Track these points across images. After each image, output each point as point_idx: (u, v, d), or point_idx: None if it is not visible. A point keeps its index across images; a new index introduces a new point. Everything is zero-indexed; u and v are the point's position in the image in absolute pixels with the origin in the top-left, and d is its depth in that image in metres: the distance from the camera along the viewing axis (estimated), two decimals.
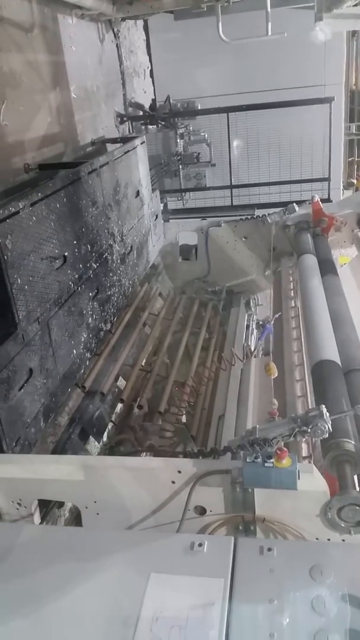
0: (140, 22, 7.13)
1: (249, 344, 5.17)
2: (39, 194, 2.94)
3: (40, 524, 2.35)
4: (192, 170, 7.24)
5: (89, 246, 3.62)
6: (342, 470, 1.99)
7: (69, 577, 1.51)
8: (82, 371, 3.53)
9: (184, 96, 7.16)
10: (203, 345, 4.83)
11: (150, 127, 6.92)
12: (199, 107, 7.04)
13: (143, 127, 6.89)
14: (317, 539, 1.88)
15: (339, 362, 2.81)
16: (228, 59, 7.21)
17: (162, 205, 6.10)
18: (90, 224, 3.66)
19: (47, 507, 2.65)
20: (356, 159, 9.00)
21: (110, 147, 5.37)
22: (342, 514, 1.82)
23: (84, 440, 3.45)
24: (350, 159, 8.67)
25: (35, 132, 4.21)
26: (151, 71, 7.67)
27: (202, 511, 1.97)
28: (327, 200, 6.10)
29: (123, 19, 6.16)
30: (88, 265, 3.61)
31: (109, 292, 4.03)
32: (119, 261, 4.27)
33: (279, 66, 7.24)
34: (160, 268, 6.03)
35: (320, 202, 5.05)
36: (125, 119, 6.38)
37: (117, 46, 6.24)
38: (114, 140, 5.53)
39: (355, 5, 4.46)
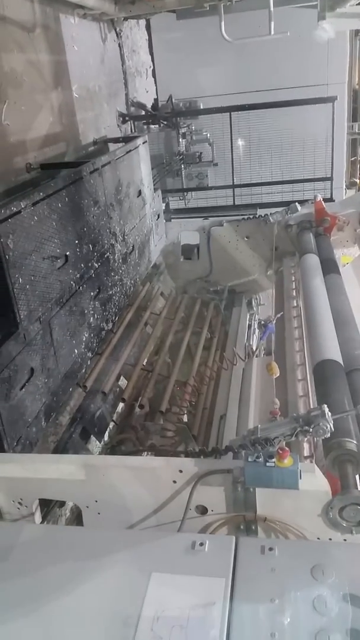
0: (142, 22, 7.13)
1: (251, 343, 5.17)
2: (41, 194, 2.94)
3: (41, 523, 2.34)
4: (194, 170, 7.24)
5: (90, 246, 3.62)
6: (343, 469, 1.98)
7: (70, 577, 1.51)
8: (84, 370, 3.53)
9: (186, 95, 7.16)
10: (205, 344, 4.83)
11: (152, 126, 6.92)
12: (201, 107, 7.04)
13: (145, 126, 6.89)
14: (318, 538, 1.88)
15: (341, 362, 2.80)
16: (230, 58, 7.20)
17: (164, 204, 6.10)
18: (92, 224, 3.66)
19: (48, 507, 2.65)
20: (359, 159, 8.98)
21: (112, 146, 5.38)
22: (344, 514, 1.82)
23: (85, 439, 3.45)
24: (353, 159, 8.66)
25: (37, 131, 4.21)
26: (153, 71, 7.66)
27: (203, 511, 1.97)
28: (330, 199, 6.10)
29: (125, 19, 6.16)
30: (90, 264, 3.61)
31: (111, 292, 4.03)
32: (120, 261, 4.27)
33: (281, 65, 7.24)
34: (162, 267, 6.03)
35: (322, 202, 5.05)
36: (127, 118, 6.38)
37: (119, 46, 6.24)
38: (116, 140, 5.53)
39: (359, 4, 4.45)
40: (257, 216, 5.62)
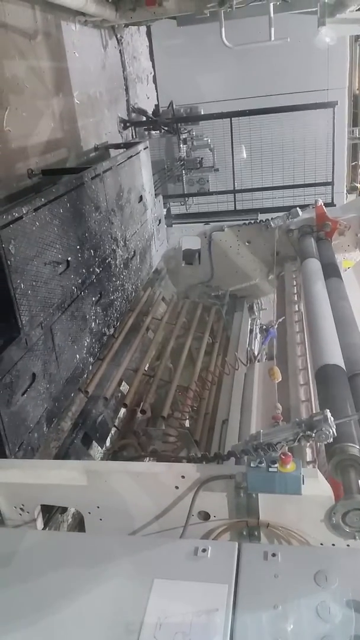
0: (143, 28, 7.17)
1: (253, 348, 5.17)
2: (42, 200, 2.95)
3: (43, 529, 2.34)
4: (195, 175, 7.25)
5: (92, 251, 3.63)
6: (346, 475, 1.97)
7: (72, 583, 1.51)
8: (85, 376, 3.53)
9: (187, 101, 7.18)
10: (206, 349, 4.82)
11: (153, 132, 6.94)
12: (202, 113, 7.05)
13: (146, 132, 6.91)
14: (321, 544, 1.87)
15: (343, 366, 2.80)
16: (231, 64, 7.23)
17: (165, 210, 6.11)
18: (93, 229, 3.67)
19: (50, 513, 2.64)
20: (359, 163, 9.00)
21: (113, 152, 5.39)
22: (347, 519, 1.81)
23: (87, 445, 3.45)
24: (353, 163, 8.68)
25: (38, 137, 4.23)
26: (154, 77, 7.70)
27: (205, 516, 1.96)
28: (331, 204, 6.09)
29: (126, 25, 6.19)
30: (91, 270, 3.62)
31: (112, 297, 4.03)
32: (122, 266, 4.28)
33: (282, 71, 7.27)
34: (163, 273, 6.04)
35: (323, 206, 5.05)
36: (128, 124, 6.40)
37: (120, 52, 6.27)
38: (117, 146, 5.55)
39: (359, 10, 4.47)
40: (258, 221, 5.62)
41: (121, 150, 4.88)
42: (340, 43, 6.98)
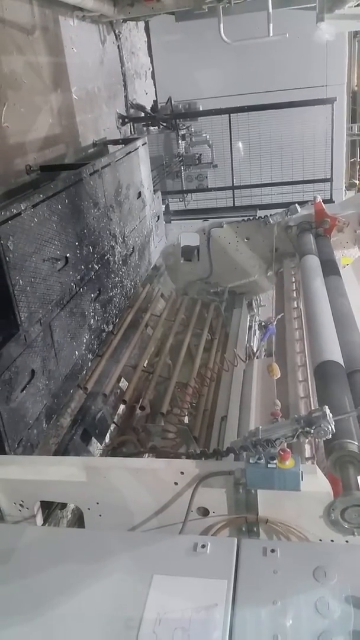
0: (141, 24, 7.14)
1: (252, 344, 5.17)
2: (41, 196, 2.94)
3: (42, 525, 2.34)
4: (194, 172, 7.25)
5: (90, 247, 3.62)
6: (345, 471, 1.98)
7: (71, 579, 1.51)
8: (84, 372, 3.53)
9: (186, 97, 7.17)
10: (205, 346, 4.82)
11: (151, 128, 6.93)
12: (201, 108, 7.04)
13: (145, 128, 6.89)
14: (320, 540, 1.88)
15: (342, 363, 2.80)
16: (229, 60, 7.21)
17: (163, 206, 6.10)
18: (92, 226, 3.66)
19: (50, 509, 2.64)
20: (358, 160, 8.99)
21: (111, 148, 5.38)
22: (346, 515, 1.81)
23: (87, 441, 3.45)
24: (352, 160, 8.67)
25: (36, 133, 4.21)
26: (152, 72, 7.68)
27: (205, 512, 1.97)
28: (330, 201, 6.10)
29: (124, 21, 6.17)
30: (90, 266, 3.61)
31: (111, 294, 4.03)
32: (120, 262, 4.27)
33: (280, 67, 7.25)
34: (162, 269, 6.03)
35: (322, 203, 5.04)
36: (126, 120, 6.39)
37: (118, 48, 6.25)
38: (115, 142, 5.54)
39: (357, 5, 4.46)
40: (257, 217, 5.62)
41: (120, 146, 4.86)
42: (339, 39, 6.96)
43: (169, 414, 3.78)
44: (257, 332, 5.51)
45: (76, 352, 3.33)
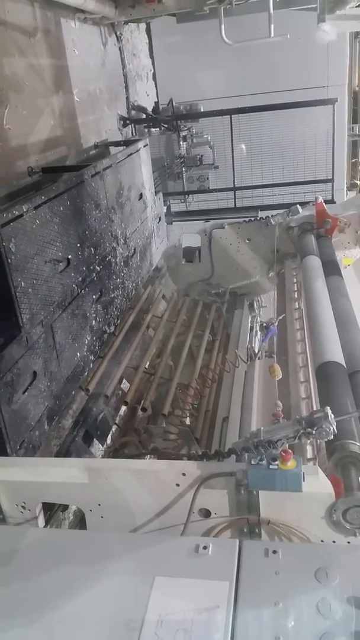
0: (142, 25, 7.14)
1: (253, 345, 5.17)
2: (43, 197, 2.95)
3: (44, 527, 2.34)
4: (195, 173, 7.25)
5: (92, 249, 3.63)
6: (347, 472, 1.98)
7: (73, 581, 1.51)
8: (86, 374, 3.53)
9: (187, 99, 7.17)
10: (207, 347, 4.82)
11: (153, 130, 6.93)
12: (202, 110, 7.04)
13: (146, 130, 6.90)
14: (322, 541, 1.87)
15: (344, 364, 2.80)
16: (231, 61, 7.22)
17: (165, 207, 6.11)
18: (93, 227, 3.67)
19: (52, 510, 2.65)
20: (359, 160, 8.98)
21: (113, 150, 5.38)
22: (348, 516, 1.81)
23: (88, 443, 3.45)
24: (353, 160, 8.66)
25: (38, 135, 4.22)
26: (154, 74, 7.68)
27: (206, 514, 1.97)
28: (331, 201, 6.09)
29: (126, 22, 6.17)
30: (91, 268, 3.62)
31: (113, 295, 4.03)
32: (122, 264, 4.28)
33: (281, 68, 7.25)
34: (163, 270, 6.03)
35: (323, 204, 5.04)
36: (128, 122, 6.39)
37: (119, 49, 6.25)
38: (117, 143, 5.54)
39: (358, 6, 4.46)
40: (258, 218, 5.62)
41: (121, 148, 4.87)
42: (340, 40, 6.96)
43: (171, 415, 3.78)
44: (259, 333, 5.50)
45: (78, 354, 3.34)
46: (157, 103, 7.50)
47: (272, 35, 5.08)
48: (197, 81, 7.49)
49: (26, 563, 1.60)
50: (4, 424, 2.47)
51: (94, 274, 3.66)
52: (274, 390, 3.37)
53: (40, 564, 1.59)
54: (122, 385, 4.02)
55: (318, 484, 1.84)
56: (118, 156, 4.33)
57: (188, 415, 3.91)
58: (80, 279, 3.40)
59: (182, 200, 7.27)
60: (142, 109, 6.77)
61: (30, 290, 2.75)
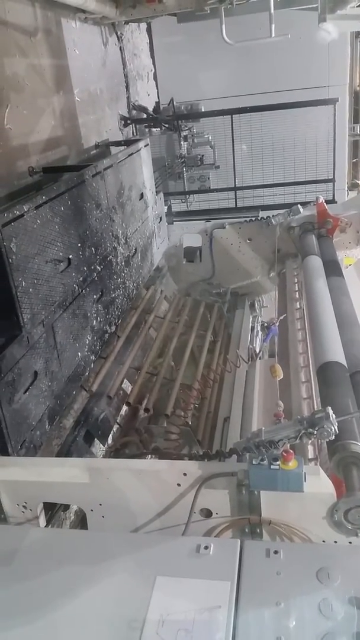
0: (143, 25, 7.15)
1: (254, 346, 5.17)
2: (44, 197, 2.95)
3: (45, 527, 2.34)
4: (196, 173, 7.24)
5: (93, 249, 3.63)
6: (348, 472, 1.97)
7: (74, 581, 1.51)
8: (87, 374, 3.53)
9: (188, 98, 7.16)
10: (208, 347, 4.82)
11: (154, 129, 6.93)
12: (203, 110, 7.04)
13: (147, 129, 6.90)
14: (323, 541, 1.87)
15: (345, 364, 2.80)
16: (232, 61, 7.21)
17: (166, 207, 6.10)
18: (94, 227, 3.67)
19: (53, 510, 2.65)
20: None
21: (114, 149, 5.38)
22: (349, 516, 1.81)
23: (89, 442, 3.45)
24: (354, 160, 8.65)
25: (39, 135, 4.22)
26: (155, 74, 7.68)
27: (207, 514, 1.97)
28: (332, 201, 6.09)
29: (126, 22, 6.17)
30: (92, 267, 3.62)
31: (113, 295, 4.03)
32: (123, 264, 4.28)
33: (282, 68, 7.24)
34: (164, 270, 6.03)
35: (324, 204, 5.04)
36: (129, 121, 6.39)
37: (120, 49, 6.25)
38: (117, 143, 5.54)
39: (359, 6, 4.46)
40: (259, 218, 5.62)
41: (122, 148, 4.87)
42: (341, 39, 6.95)
43: (172, 416, 3.78)
44: (260, 333, 5.50)
45: (79, 354, 3.34)
46: (157, 103, 7.50)
47: (273, 35, 5.08)
48: (198, 81, 7.48)
49: (27, 563, 1.60)
50: (5, 424, 2.47)
51: (95, 274, 3.65)
52: (275, 391, 3.37)
53: (41, 563, 1.59)
54: (123, 385, 4.02)
55: (319, 484, 1.84)
56: (119, 156, 4.33)
57: (189, 415, 3.91)
58: (81, 278, 3.40)
59: (183, 200, 7.26)
60: (143, 109, 6.77)
61: (31, 290, 2.75)
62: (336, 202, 6.08)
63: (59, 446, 3.22)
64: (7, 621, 1.43)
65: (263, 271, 5.73)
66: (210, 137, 7.23)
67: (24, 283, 2.67)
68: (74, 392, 3.36)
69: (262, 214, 5.89)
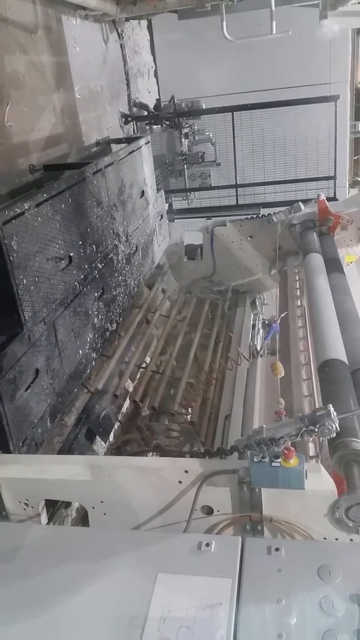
0: (144, 22, 7.13)
1: (255, 343, 5.16)
2: (44, 195, 2.94)
3: (47, 524, 2.35)
4: (197, 170, 7.23)
5: (94, 246, 3.62)
6: (349, 469, 1.98)
7: (76, 578, 1.51)
8: (88, 371, 3.54)
9: (189, 96, 7.15)
10: (209, 345, 4.82)
11: (154, 127, 6.92)
12: (204, 107, 7.03)
13: (147, 127, 6.88)
14: (325, 538, 1.87)
15: (346, 361, 2.80)
16: (232, 58, 7.19)
17: (167, 205, 6.10)
18: (95, 225, 3.66)
19: (54, 507, 2.65)
20: None
21: (115, 147, 5.38)
22: (350, 514, 1.81)
23: (91, 440, 3.46)
24: (356, 157, 8.63)
25: (39, 133, 4.21)
26: (155, 71, 7.66)
27: (209, 511, 1.97)
28: (333, 198, 6.08)
29: (127, 19, 6.16)
30: (93, 265, 3.62)
31: (115, 292, 4.03)
32: (124, 261, 4.27)
33: (283, 65, 7.23)
34: (165, 268, 6.03)
35: (326, 201, 5.04)
36: (129, 119, 6.38)
37: (121, 46, 6.24)
38: (118, 141, 5.53)
39: None
40: (260, 216, 5.61)
41: (123, 145, 4.86)
42: (342, 36, 6.94)
43: (173, 413, 3.79)
44: (261, 330, 5.50)
45: (80, 351, 3.34)
46: (158, 100, 7.48)
47: (274, 32, 5.06)
48: (199, 78, 7.46)
49: (29, 560, 1.61)
50: (7, 421, 2.48)
51: (96, 272, 3.65)
52: (276, 388, 3.36)
53: (43, 561, 1.60)
54: (124, 383, 4.03)
55: (321, 482, 1.84)
56: (120, 153, 4.32)
57: (190, 412, 3.92)
58: (82, 276, 3.40)
59: (184, 198, 7.25)
60: (144, 106, 6.76)
61: (32, 287, 2.75)
62: (337, 200, 6.07)
63: (61, 444, 3.23)
64: (9, 618, 1.43)
65: (264, 269, 5.72)
66: (211, 135, 7.22)
67: (25, 281, 2.67)
68: (75, 390, 3.36)
69: (263, 211, 5.89)
